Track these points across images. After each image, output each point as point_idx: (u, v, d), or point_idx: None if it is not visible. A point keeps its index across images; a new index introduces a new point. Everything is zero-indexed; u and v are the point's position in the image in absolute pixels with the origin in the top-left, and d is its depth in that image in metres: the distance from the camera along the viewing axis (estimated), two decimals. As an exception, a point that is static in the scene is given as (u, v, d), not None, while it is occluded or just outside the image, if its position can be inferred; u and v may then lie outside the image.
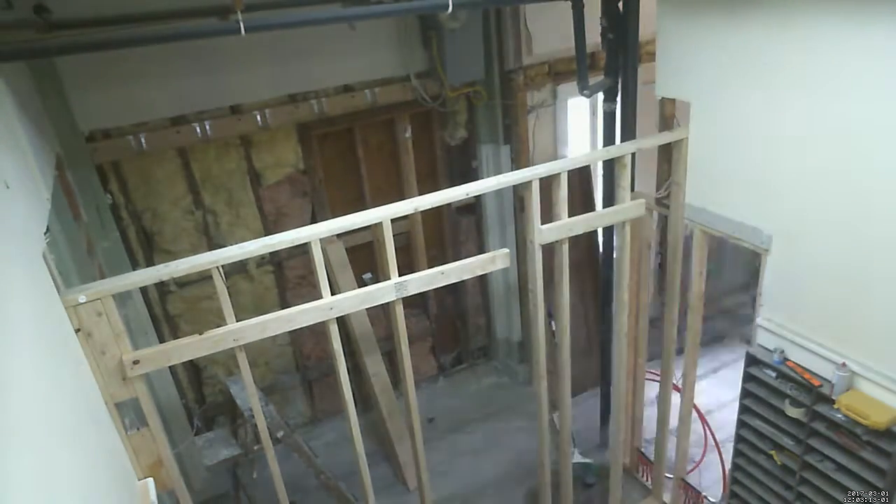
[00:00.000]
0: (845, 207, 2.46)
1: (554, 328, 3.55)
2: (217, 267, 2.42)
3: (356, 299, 2.74)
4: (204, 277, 4.16)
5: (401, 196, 4.01)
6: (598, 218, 3.30)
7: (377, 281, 2.85)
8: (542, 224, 3.00)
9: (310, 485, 4.65)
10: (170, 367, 4.36)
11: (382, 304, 2.83)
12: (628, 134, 3.57)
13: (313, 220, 4.36)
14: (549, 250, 3.12)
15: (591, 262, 4.99)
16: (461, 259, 2.93)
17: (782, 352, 2.88)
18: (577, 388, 4.93)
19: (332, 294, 2.71)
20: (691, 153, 3.12)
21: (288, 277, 4.70)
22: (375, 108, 4.40)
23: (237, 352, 2.61)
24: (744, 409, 3.11)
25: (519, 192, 4.52)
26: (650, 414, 4.20)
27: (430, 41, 4.26)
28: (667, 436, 3.87)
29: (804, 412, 2.78)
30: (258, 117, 4.05)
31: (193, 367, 4.63)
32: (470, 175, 4.88)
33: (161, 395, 4.15)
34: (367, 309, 2.93)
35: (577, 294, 5.01)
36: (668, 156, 3.27)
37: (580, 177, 4.69)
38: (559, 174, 2.92)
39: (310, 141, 4.38)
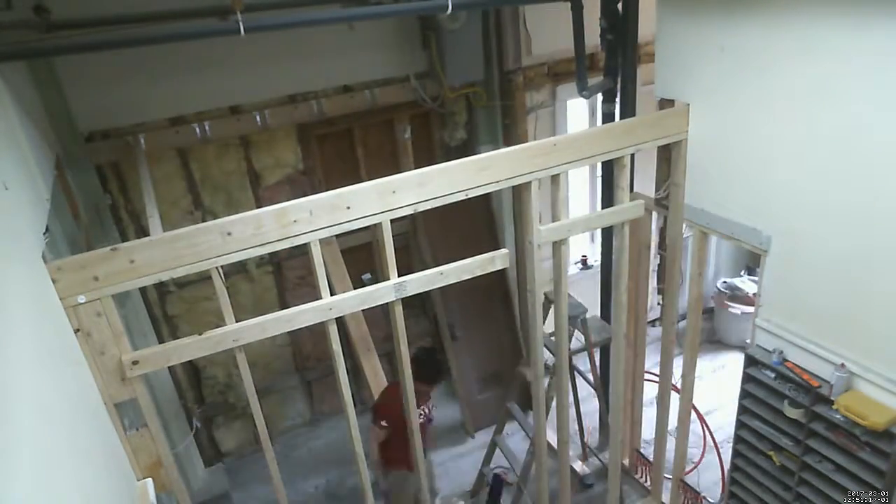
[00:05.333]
0: (845, 209, 2.47)
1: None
2: (217, 267, 2.42)
3: (356, 300, 2.74)
4: (203, 278, 4.15)
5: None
6: (597, 218, 3.30)
7: (376, 281, 2.86)
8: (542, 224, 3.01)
9: (310, 487, 4.67)
10: (169, 367, 4.37)
11: (382, 305, 2.83)
12: (627, 135, 3.57)
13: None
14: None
15: (502, 282, 4.99)
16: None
17: (781, 352, 2.89)
18: (496, 417, 4.87)
19: (332, 295, 2.71)
20: (690, 154, 3.12)
21: (287, 278, 4.70)
22: (375, 109, 4.41)
23: (237, 352, 2.61)
24: (742, 410, 3.11)
25: (518, 193, 4.52)
26: (649, 415, 4.21)
27: (430, 42, 4.26)
28: (665, 436, 3.87)
29: (803, 413, 2.78)
30: (257, 118, 4.06)
31: (193, 368, 4.63)
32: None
33: (160, 396, 4.15)
34: (366, 309, 2.93)
35: (488, 316, 5.02)
36: (667, 156, 3.28)
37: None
38: (559, 175, 2.93)
39: (309, 141, 4.38)
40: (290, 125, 4.26)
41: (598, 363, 4.22)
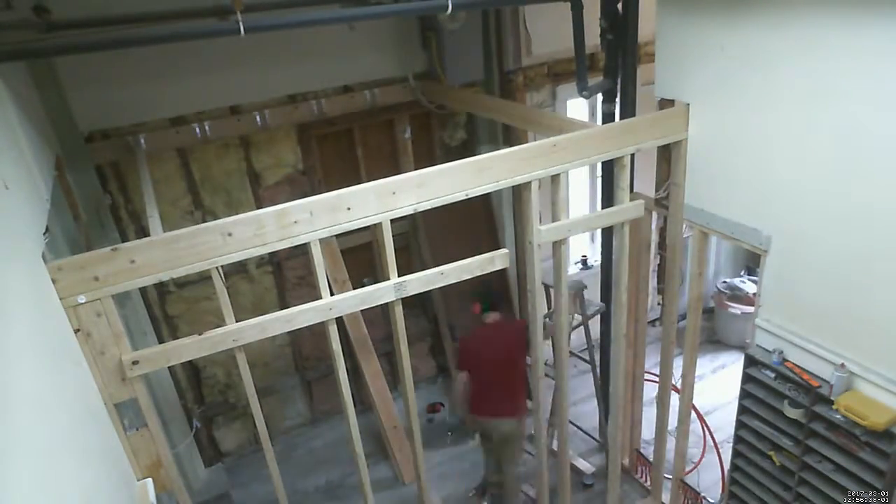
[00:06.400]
0: (845, 208, 2.47)
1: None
2: (217, 267, 2.42)
3: (356, 299, 2.74)
4: (203, 278, 4.17)
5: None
6: (597, 218, 3.30)
7: (376, 282, 2.86)
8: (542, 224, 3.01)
9: (310, 487, 4.67)
10: (169, 367, 4.37)
11: (382, 306, 2.83)
12: (627, 135, 3.57)
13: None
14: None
15: (503, 282, 4.97)
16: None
17: (781, 352, 2.89)
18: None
19: (332, 295, 2.71)
20: (690, 154, 3.12)
21: (287, 278, 4.70)
22: (375, 109, 4.41)
23: (236, 352, 2.61)
24: (742, 410, 3.11)
25: (518, 193, 4.52)
26: (649, 415, 4.21)
27: (430, 42, 4.26)
28: (665, 437, 3.87)
29: (803, 413, 2.78)
30: (257, 118, 4.06)
31: (193, 368, 4.63)
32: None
33: (160, 396, 4.15)
34: (367, 309, 2.93)
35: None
36: (667, 156, 3.28)
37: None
38: (559, 175, 2.93)
39: (309, 141, 4.38)
40: (290, 125, 4.26)
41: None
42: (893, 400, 2.48)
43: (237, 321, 2.57)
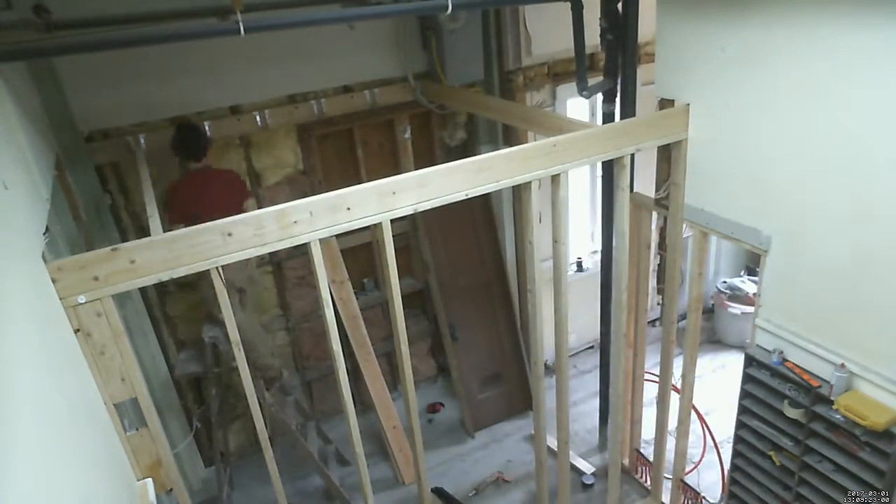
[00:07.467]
0: (845, 208, 2.47)
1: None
2: (217, 267, 2.42)
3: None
4: (204, 278, 4.16)
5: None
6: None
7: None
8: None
9: (310, 487, 4.67)
10: (169, 368, 4.37)
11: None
12: (627, 135, 3.57)
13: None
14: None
15: (503, 282, 5.00)
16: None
17: (781, 352, 2.89)
18: (496, 417, 5.03)
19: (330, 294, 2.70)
20: (690, 154, 3.12)
21: (287, 278, 4.70)
22: (375, 109, 4.41)
23: (236, 351, 2.60)
24: (742, 410, 3.11)
25: (518, 193, 4.52)
26: (649, 415, 4.21)
27: (430, 42, 4.27)
28: (665, 436, 3.87)
29: (803, 413, 2.78)
30: (257, 118, 4.06)
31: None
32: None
33: (160, 396, 4.15)
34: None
35: (489, 316, 5.02)
36: (667, 156, 3.28)
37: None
38: (559, 175, 2.93)
39: (309, 141, 4.38)
40: (290, 125, 4.26)
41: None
42: (893, 400, 2.48)
43: (237, 321, 2.56)
